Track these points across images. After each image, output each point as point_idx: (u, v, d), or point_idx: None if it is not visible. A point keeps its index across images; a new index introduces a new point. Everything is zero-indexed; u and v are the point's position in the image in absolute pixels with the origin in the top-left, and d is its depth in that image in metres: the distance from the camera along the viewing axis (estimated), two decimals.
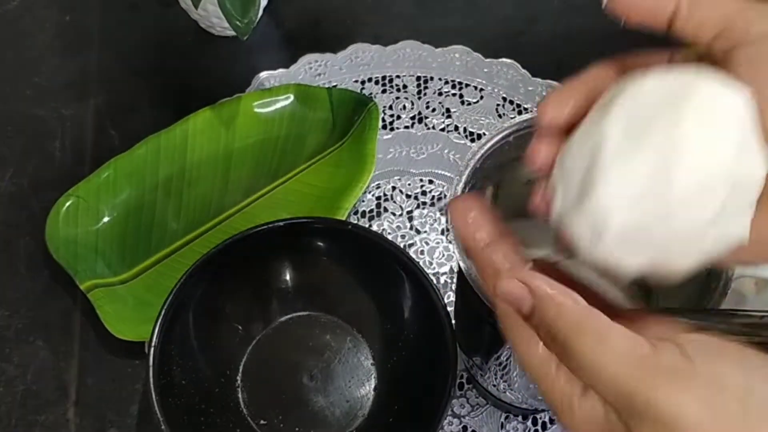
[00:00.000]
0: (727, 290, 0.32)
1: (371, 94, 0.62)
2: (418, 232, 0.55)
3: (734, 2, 0.24)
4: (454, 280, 0.52)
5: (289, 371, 0.48)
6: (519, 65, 0.63)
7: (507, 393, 0.43)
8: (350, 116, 0.58)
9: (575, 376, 0.23)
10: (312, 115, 0.59)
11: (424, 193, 0.56)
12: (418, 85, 0.62)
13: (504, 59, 0.63)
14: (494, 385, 0.43)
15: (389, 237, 0.53)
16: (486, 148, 0.36)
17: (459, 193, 0.35)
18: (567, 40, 0.65)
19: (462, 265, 0.33)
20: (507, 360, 0.38)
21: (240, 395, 0.47)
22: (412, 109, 0.61)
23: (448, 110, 0.61)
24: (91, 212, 0.53)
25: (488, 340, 0.38)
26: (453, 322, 0.43)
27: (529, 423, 0.48)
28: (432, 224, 0.55)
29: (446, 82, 0.62)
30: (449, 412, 0.48)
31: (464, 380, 0.49)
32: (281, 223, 0.46)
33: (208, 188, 0.56)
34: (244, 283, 0.47)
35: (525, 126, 0.37)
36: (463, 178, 0.35)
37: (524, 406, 0.44)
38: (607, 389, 0.22)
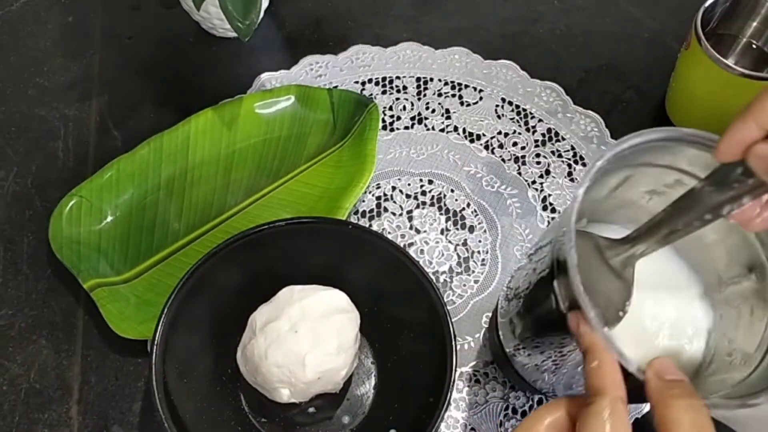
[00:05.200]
0: None
1: (371, 95, 0.62)
2: (417, 231, 0.55)
3: None
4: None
5: None
6: (518, 66, 0.63)
7: (517, 357, 0.43)
8: (351, 117, 0.59)
9: None
10: (313, 116, 0.59)
11: (423, 193, 0.57)
12: (418, 86, 0.63)
13: (503, 60, 0.64)
14: (515, 347, 0.43)
15: (389, 236, 0.53)
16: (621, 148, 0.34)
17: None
18: (566, 41, 0.65)
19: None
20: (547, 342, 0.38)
21: (241, 393, 0.47)
22: (412, 109, 0.61)
23: (447, 111, 0.61)
24: (93, 212, 0.54)
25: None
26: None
27: None
28: (432, 224, 0.55)
29: (446, 83, 0.63)
30: (448, 410, 0.48)
31: (463, 378, 0.50)
32: (282, 223, 0.46)
33: (210, 188, 0.57)
34: (245, 282, 0.47)
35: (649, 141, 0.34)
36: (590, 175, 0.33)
37: (527, 377, 0.45)
38: None
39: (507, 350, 0.45)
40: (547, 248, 0.35)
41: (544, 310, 0.35)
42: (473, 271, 0.53)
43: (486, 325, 0.51)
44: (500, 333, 0.46)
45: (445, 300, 0.45)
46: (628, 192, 0.39)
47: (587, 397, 0.30)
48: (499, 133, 0.60)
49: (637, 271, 0.39)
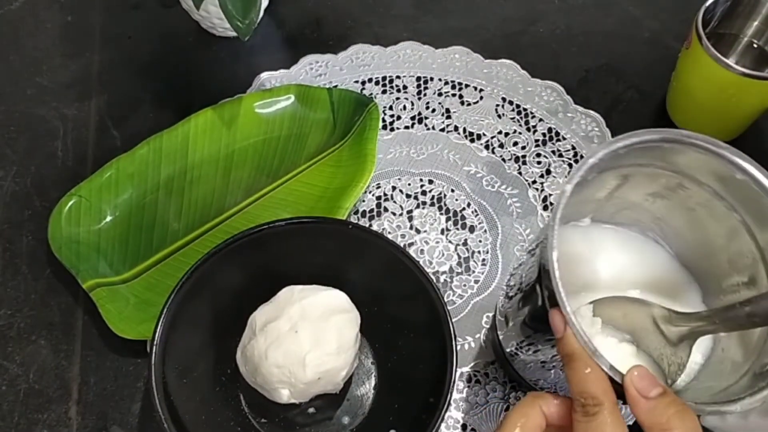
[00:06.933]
0: None
1: (371, 94, 0.62)
2: (418, 231, 0.55)
3: None
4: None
5: None
6: (518, 66, 0.63)
7: (519, 356, 0.43)
8: (351, 116, 0.59)
9: None
10: (313, 116, 0.59)
11: (424, 192, 0.57)
12: (418, 86, 0.62)
13: (503, 60, 0.64)
14: (517, 345, 0.42)
15: (389, 236, 0.53)
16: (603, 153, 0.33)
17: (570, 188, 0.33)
18: (566, 40, 0.65)
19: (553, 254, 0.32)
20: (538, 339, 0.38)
21: (241, 394, 0.47)
22: (412, 109, 0.61)
23: (447, 110, 0.61)
24: (93, 212, 0.54)
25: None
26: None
27: None
28: (432, 224, 0.55)
29: (446, 83, 0.63)
30: (448, 411, 0.48)
31: (464, 378, 0.50)
32: (282, 223, 0.46)
33: (209, 188, 0.57)
34: (245, 282, 0.47)
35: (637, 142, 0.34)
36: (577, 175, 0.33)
37: (528, 377, 0.44)
38: None
39: (507, 350, 0.45)
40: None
41: (536, 307, 0.35)
42: (473, 271, 0.53)
43: (487, 325, 0.51)
44: (499, 333, 0.46)
45: (446, 300, 0.44)
46: (630, 193, 0.39)
47: (580, 403, 0.30)
48: (500, 132, 0.60)
49: (638, 277, 0.39)
